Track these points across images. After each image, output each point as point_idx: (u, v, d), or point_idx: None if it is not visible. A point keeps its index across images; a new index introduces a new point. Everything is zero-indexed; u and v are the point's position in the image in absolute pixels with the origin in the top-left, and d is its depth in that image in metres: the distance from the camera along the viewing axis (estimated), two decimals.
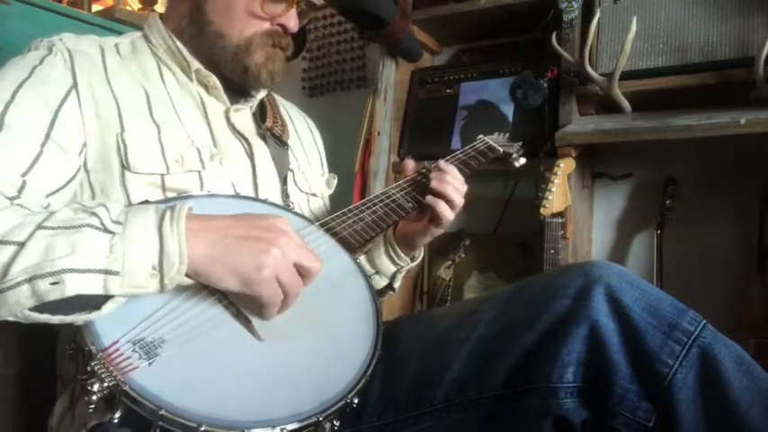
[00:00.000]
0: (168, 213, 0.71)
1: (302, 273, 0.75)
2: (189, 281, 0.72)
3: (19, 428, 0.97)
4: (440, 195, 1.02)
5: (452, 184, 1.03)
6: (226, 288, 0.73)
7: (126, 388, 0.63)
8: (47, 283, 0.64)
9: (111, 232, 0.67)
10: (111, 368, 0.63)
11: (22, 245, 0.66)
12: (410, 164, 1.10)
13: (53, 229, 0.67)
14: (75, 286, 0.64)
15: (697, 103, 1.50)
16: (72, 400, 0.77)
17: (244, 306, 0.75)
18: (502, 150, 1.21)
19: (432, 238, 1.10)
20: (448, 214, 1.04)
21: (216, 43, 0.98)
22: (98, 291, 0.66)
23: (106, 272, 0.66)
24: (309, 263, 0.75)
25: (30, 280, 0.64)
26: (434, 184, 1.03)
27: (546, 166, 1.54)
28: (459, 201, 1.05)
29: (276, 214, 0.79)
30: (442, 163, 1.06)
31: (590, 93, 1.62)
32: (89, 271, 0.65)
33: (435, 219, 1.04)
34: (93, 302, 0.67)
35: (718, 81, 1.45)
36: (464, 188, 1.05)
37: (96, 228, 0.67)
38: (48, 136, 0.82)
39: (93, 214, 0.68)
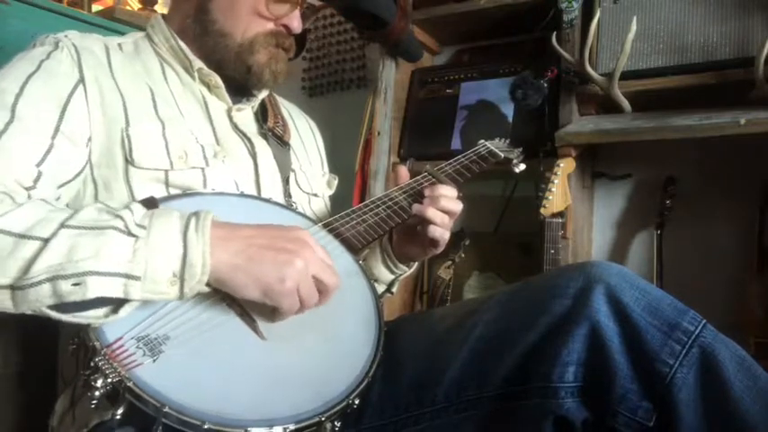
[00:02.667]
0: (193, 220, 0.70)
1: (319, 287, 0.75)
2: (208, 289, 0.72)
3: (19, 428, 0.97)
4: (432, 222, 1.00)
5: (443, 207, 1.00)
6: (246, 297, 0.73)
7: (130, 384, 0.63)
8: (69, 284, 0.64)
9: (134, 236, 0.67)
10: (116, 364, 0.64)
11: (45, 241, 0.66)
12: (403, 171, 1.08)
13: (77, 228, 0.67)
14: (97, 289, 0.64)
15: (697, 103, 1.50)
16: (73, 398, 0.78)
17: (250, 307, 0.76)
18: (503, 156, 1.21)
19: (431, 255, 1.09)
20: (443, 237, 1.02)
21: (219, 42, 0.98)
22: (118, 294, 0.66)
23: (127, 276, 0.66)
24: (328, 278, 0.75)
25: (52, 279, 0.64)
26: (428, 212, 1.00)
27: (546, 166, 1.54)
28: (450, 223, 1.03)
29: (298, 225, 0.79)
30: (428, 190, 1.02)
31: (590, 93, 1.62)
32: (111, 274, 0.65)
33: (433, 242, 1.03)
34: (111, 304, 0.67)
35: (718, 81, 1.45)
36: (458, 207, 1.02)
37: (120, 231, 0.67)
38: (58, 129, 0.83)
39: (118, 216, 0.68)
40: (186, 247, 0.68)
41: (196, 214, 0.71)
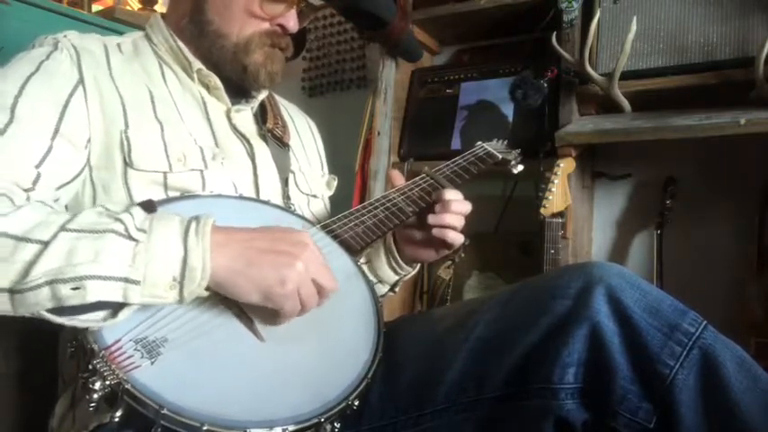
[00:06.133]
0: (194, 225, 0.70)
1: (317, 289, 0.76)
2: (208, 293, 0.71)
3: (19, 429, 0.97)
4: (448, 227, 1.02)
5: (457, 211, 1.02)
6: (247, 301, 0.73)
7: (128, 386, 0.63)
8: (68, 288, 0.63)
9: (134, 240, 0.67)
10: (114, 366, 0.63)
11: (45, 244, 0.65)
12: (396, 174, 1.09)
13: (77, 231, 0.67)
14: (97, 293, 0.64)
15: (697, 103, 1.50)
16: (73, 400, 0.78)
17: (249, 309, 0.76)
18: (501, 157, 1.22)
19: (440, 257, 1.10)
20: (458, 240, 1.04)
21: (215, 42, 0.98)
22: (117, 298, 0.65)
23: (127, 280, 0.65)
24: (326, 281, 0.76)
25: (51, 283, 0.63)
26: (448, 219, 1.01)
27: (546, 166, 1.54)
28: (462, 223, 1.04)
29: (296, 227, 0.79)
30: (442, 194, 1.03)
31: (590, 93, 1.62)
32: (110, 278, 0.65)
33: (447, 245, 1.04)
34: (110, 308, 0.66)
35: (719, 81, 1.45)
36: (469, 207, 1.04)
37: (120, 234, 0.67)
38: (57, 130, 0.83)
39: (118, 220, 0.68)
40: (186, 251, 0.68)
41: (196, 218, 0.71)
